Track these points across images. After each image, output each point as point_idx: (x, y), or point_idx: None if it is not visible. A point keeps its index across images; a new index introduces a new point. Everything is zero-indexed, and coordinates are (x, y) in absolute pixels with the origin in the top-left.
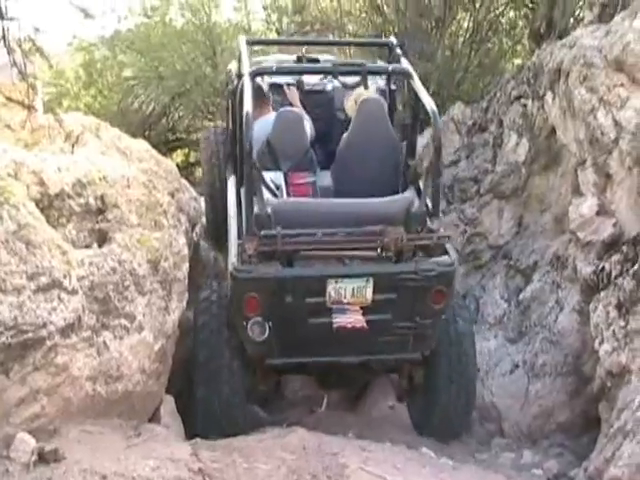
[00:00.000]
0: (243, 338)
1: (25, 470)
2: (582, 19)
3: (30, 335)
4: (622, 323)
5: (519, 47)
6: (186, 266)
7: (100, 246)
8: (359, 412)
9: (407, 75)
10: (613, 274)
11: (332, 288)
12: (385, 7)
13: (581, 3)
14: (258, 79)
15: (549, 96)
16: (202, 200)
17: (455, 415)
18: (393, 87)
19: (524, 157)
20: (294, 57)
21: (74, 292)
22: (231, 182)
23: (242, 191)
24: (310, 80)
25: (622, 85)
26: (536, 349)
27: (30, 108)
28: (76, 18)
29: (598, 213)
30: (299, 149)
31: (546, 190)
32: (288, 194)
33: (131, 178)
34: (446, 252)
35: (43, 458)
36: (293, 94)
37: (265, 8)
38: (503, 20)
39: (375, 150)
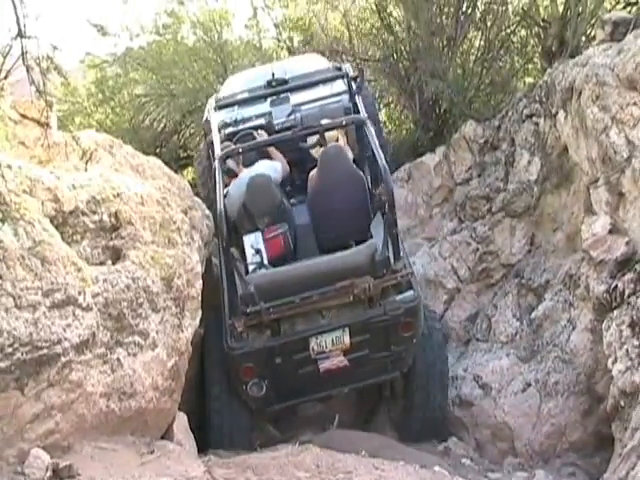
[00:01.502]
0: (244, 397)
1: None
2: (594, 37)
3: (45, 351)
4: (636, 342)
5: (531, 66)
6: (199, 283)
7: (114, 263)
8: (372, 430)
9: (361, 124)
10: (626, 293)
11: (314, 343)
12: (396, 26)
13: (593, 21)
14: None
15: (561, 115)
16: None
17: (431, 417)
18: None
19: (536, 175)
20: (264, 72)
21: (88, 309)
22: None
23: (233, 253)
24: (279, 118)
25: (635, 104)
26: (548, 368)
27: (45, 125)
28: (88, 35)
29: (611, 232)
30: (273, 206)
31: (558, 209)
32: (267, 253)
33: (145, 195)
34: (410, 286)
35: (57, 474)
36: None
37: (276, 26)
38: (514, 39)
39: (342, 190)
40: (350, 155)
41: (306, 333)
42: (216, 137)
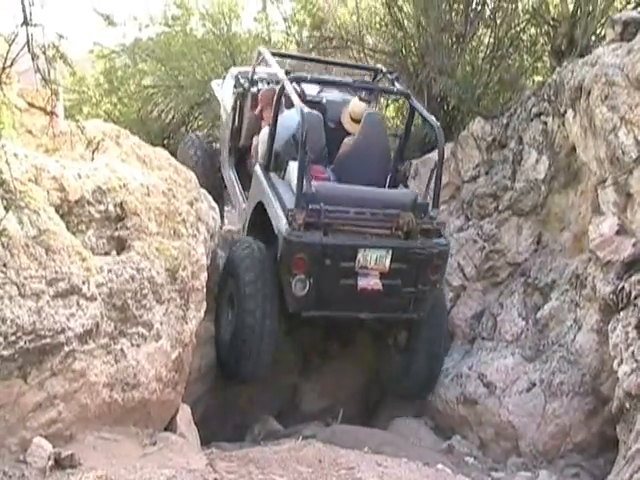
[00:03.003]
0: (287, 293)
1: (41, 475)
2: (604, 37)
3: (48, 340)
4: None
5: (540, 64)
6: (204, 276)
7: (119, 253)
8: (375, 427)
9: (408, 96)
10: (633, 294)
11: (361, 255)
12: (406, 22)
13: (603, 21)
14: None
15: (570, 114)
16: None
17: (429, 373)
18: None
19: (544, 174)
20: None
21: (93, 299)
22: (260, 172)
23: (272, 176)
24: (310, 92)
25: None
26: (553, 368)
27: (52, 114)
28: (97, 25)
29: (618, 232)
30: (319, 146)
31: (566, 208)
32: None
33: (151, 186)
34: (441, 235)
35: (59, 463)
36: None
37: (285, 20)
38: (524, 37)
39: (374, 154)
40: None
41: (356, 242)
42: (277, 66)
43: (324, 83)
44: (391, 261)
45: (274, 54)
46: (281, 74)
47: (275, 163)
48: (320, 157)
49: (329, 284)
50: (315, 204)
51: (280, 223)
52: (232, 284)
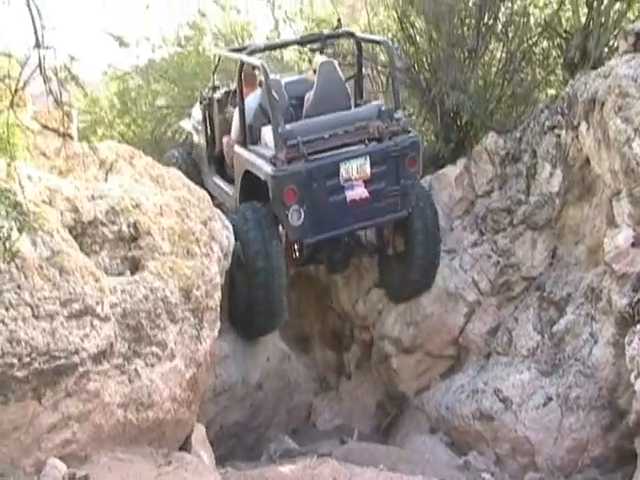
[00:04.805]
0: (286, 226)
1: None
2: (617, 48)
3: (62, 361)
4: None
5: (552, 77)
6: (218, 295)
7: (133, 274)
8: (390, 444)
9: (351, 33)
10: None
11: (343, 169)
12: (418, 37)
13: (616, 32)
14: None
15: (583, 126)
16: None
17: (429, 267)
18: None
19: (558, 188)
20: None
21: (106, 319)
22: (239, 148)
23: (251, 147)
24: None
25: None
26: (570, 382)
27: (65, 136)
28: (111, 47)
29: (633, 245)
30: (282, 103)
31: (580, 221)
32: None
33: (164, 206)
34: (409, 132)
35: None
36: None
37: None
38: (536, 50)
39: (333, 97)
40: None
41: (336, 158)
42: (233, 53)
43: (277, 46)
44: (371, 166)
45: (233, 50)
46: (237, 55)
47: (250, 137)
48: (286, 116)
49: (321, 206)
50: (292, 140)
51: (266, 169)
52: (237, 248)
